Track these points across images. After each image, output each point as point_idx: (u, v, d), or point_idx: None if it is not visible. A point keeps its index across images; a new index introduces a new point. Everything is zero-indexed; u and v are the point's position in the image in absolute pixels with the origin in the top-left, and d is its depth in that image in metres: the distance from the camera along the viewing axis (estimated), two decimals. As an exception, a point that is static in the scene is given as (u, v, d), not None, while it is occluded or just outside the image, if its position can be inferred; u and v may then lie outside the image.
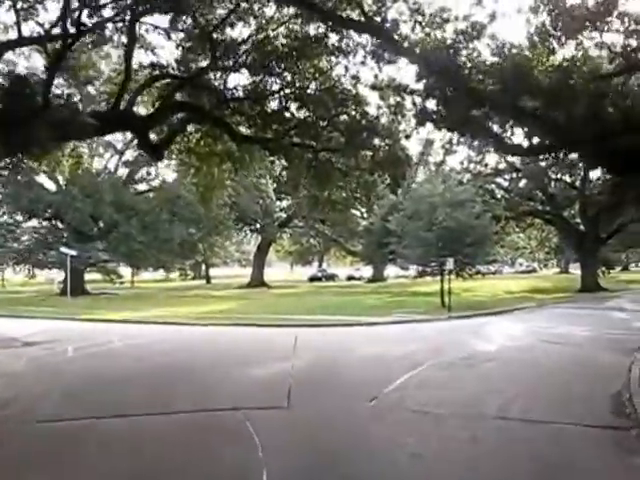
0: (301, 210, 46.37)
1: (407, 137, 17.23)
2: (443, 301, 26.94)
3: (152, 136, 17.59)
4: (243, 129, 17.86)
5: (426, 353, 14.13)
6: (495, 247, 28.73)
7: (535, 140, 14.91)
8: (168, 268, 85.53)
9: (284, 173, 20.09)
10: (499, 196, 41.39)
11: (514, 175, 42.20)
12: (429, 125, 15.84)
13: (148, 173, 47.04)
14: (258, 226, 56.19)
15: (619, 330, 18.12)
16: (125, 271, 57.38)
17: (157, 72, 16.01)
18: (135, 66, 20.44)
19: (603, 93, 10.56)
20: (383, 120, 17.23)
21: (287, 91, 16.82)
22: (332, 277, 74.88)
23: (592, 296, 34.58)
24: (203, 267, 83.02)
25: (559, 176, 40.69)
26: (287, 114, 17.00)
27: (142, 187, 49.57)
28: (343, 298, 35.14)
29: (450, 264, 24.30)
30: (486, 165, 41.55)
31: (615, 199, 30.25)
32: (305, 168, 18.09)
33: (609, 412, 8.93)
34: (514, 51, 11.83)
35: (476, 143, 40.58)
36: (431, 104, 14.46)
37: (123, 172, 47.12)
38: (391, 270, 70.90)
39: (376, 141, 17.55)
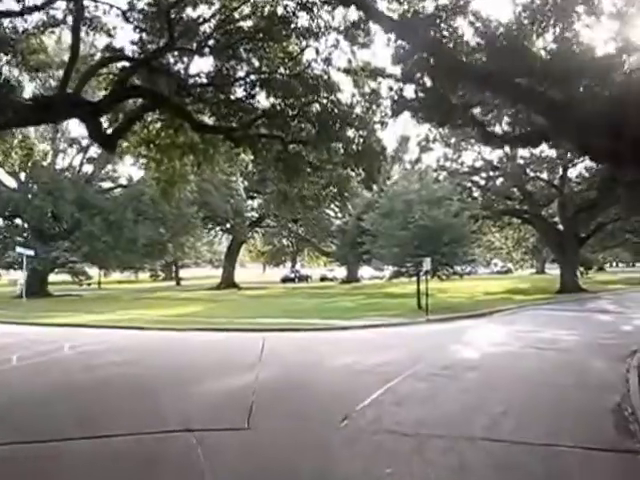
0: (270, 207, 44.82)
1: (382, 125, 16.00)
2: (420, 303, 25.90)
3: (107, 125, 16.25)
4: (206, 118, 16.53)
5: (404, 362, 12.98)
6: (473, 247, 27.74)
7: (522, 129, 13.88)
8: (137, 269, 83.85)
9: (253, 168, 18.62)
10: (476, 195, 40.51)
11: (491, 173, 41.43)
12: (405, 119, 14.74)
13: (114, 170, 45.31)
14: (229, 226, 54.35)
15: (607, 334, 17.19)
16: (95, 272, 55.64)
17: (109, 54, 14.60)
18: (92, 50, 19.11)
19: (602, 72, 9.59)
20: (357, 110, 16.04)
21: (253, 77, 15.50)
22: (305, 278, 73.91)
23: (572, 297, 33.89)
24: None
25: (537, 174, 39.85)
26: (253, 102, 15.69)
27: (108, 185, 47.80)
28: (315, 300, 33.96)
29: (427, 264, 23.25)
30: (462, 163, 40.84)
31: (605, 194, 29.56)
32: (273, 161, 16.83)
33: (611, 430, 7.88)
34: (501, 30, 10.76)
35: (453, 140, 40.06)
36: (409, 91, 13.31)
37: (88, 169, 45.32)
38: (365, 271, 70.16)
39: (349, 132, 16.33)
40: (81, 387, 11.11)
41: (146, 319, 23.74)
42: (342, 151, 16.69)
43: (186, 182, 20.01)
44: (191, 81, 15.27)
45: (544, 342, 15.89)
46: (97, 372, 12.50)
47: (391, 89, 13.52)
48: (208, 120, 16.42)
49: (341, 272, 70.20)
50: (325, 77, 15.11)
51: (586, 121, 9.25)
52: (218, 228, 60.52)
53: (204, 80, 15.32)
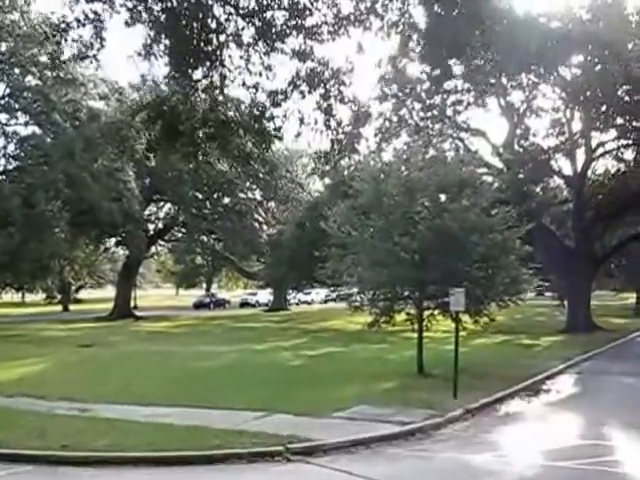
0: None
1: None
2: (421, 363, 14.66)
3: None
4: None
5: None
6: (521, 267, 15.87)
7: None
8: (28, 290, 68.74)
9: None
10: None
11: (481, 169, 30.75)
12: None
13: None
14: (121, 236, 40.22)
15: None
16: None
17: None
18: None
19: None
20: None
21: None
22: (222, 304, 61.62)
23: (605, 341, 23.35)
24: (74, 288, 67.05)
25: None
26: None
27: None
28: (237, 346, 21.95)
29: (459, 300, 11.92)
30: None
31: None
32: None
33: None
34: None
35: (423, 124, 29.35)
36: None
37: None
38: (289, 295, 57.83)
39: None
40: None
41: None
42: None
43: None
44: None
45: None
46: None
47: None
48: None
49: (264, 296, 58.22)
50: None
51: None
52: (113, 241, 47.02)
53: None
